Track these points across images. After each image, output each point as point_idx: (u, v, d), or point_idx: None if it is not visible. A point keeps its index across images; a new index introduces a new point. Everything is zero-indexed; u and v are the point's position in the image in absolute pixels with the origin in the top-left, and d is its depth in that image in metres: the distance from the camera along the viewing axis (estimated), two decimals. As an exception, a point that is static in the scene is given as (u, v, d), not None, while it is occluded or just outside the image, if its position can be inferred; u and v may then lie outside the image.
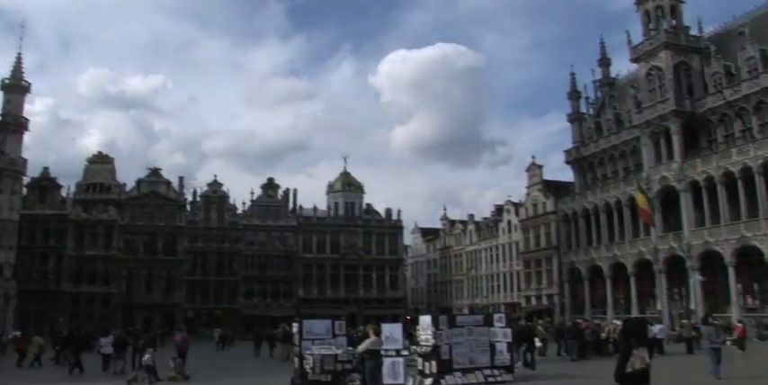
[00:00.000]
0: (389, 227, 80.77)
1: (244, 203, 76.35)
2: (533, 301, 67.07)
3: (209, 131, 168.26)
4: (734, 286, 45.10)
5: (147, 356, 20.89)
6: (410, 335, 20.98)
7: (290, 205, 78.46)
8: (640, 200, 48.29)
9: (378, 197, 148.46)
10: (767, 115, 46.65)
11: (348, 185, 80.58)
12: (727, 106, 48.64)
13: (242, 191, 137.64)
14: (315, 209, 79.08)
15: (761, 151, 43.53)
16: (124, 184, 73.15)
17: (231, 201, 76.40)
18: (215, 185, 76.26)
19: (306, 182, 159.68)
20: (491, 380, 18.52)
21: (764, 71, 46.68)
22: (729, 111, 48.83)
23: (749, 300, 45.39)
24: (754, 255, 43.95)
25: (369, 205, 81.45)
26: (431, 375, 18.12)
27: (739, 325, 33.53)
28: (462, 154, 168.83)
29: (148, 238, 71.14)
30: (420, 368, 18.59)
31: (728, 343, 25.63)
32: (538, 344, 27.64)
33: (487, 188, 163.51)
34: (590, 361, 26.17)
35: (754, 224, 43.71)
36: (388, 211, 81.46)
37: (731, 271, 45.21)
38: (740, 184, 44.81)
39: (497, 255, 75.86)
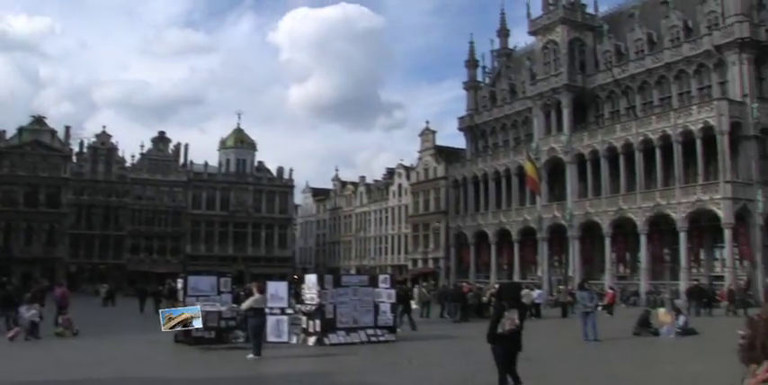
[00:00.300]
0: (280, 185, 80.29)
1: (133, 156, 74.11)
2: (420, 264, 68.17)
3: (100, 80, 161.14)
4: (608, 255, 47.50)
5: (32, 312, 20.05)
6: (296, 293, 21.11)
7: (181, 160, 76.59)
8: (529, 168, 49.76)
9: (270, 155, 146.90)
10: (650, 95, 48.98)
11: (241, 142, 79.40)
12: (615, 84, 50.51)
13: (132, 143, 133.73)
14: (206, 165, 77.61)
15: (642, 129, 45.60)
16: (4, 132, 69.30)
17: (120, 153, 73.92)
18: (103, 137, 73.53)
19: (198, 137, 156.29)
20: (374, 339, 18.79)
21: (650, 53, 48.77)
22: (617, 88, 50.78)
23: (621, 269, 48.02)
24: (628, 227, 46.32)
25: (261, 163, 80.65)
26: (315, 333, 18.35)
27: (610, 291, 35.65)
28: (358, 116, 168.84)
29: (29, 190, 67.91)
30: (304, 326, 18.77)
31: (599, 308, 27.09)
32: (414, 306, 28.28)
33: (381, 151, 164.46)
34: (471, 323, 26.84)
35: (631, 197, 45.95)
36: (280, 170, 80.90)
37: (607, 241, 47.52)
38: (621, 159, 46.91)
39: (387, 217, 76.69)
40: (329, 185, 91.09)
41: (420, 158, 70.83)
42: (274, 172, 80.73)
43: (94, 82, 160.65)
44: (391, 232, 75.65)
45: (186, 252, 72.92)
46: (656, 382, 12.02)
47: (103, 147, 72.94)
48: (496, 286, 32.92)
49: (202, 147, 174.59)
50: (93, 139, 73.29)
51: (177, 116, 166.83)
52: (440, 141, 70.43)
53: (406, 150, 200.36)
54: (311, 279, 19.55)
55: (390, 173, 79.77)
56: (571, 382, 12.42)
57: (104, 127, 74.89)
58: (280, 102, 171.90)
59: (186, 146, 77.45)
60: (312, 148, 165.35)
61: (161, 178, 73.95)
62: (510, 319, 9.13)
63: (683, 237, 42.48)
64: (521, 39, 70.17)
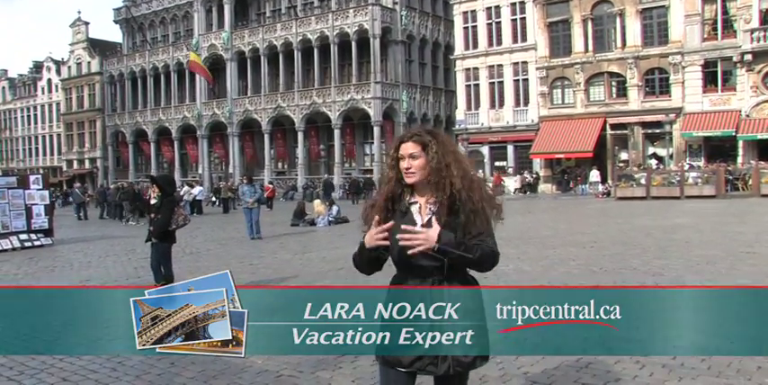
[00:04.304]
0: None
1: None
2: (76, 165, 62.78)
3: None
4: (268, 151, 47.28)
5: None
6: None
7: None
8: (198, 59, 47.21)
9: None
10: (310, -5, 48.31)
11: None
12: (278, -18, 49.08)
13: None
14: None
15: (302, 29, 45.01)
16: None
17: None
18: None
19: None
20: (28, 244, 17.28)
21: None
22: (279, -14, 49.36)
23: (280, 165, 48.33)
24: (287, 124, 46.27)
25: None
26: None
27: (270, 185, 35.48)
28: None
29: None
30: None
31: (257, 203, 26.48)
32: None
33: (25, 40, 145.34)
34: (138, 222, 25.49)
35: (290, 95, 45.64)
36: None
37: (267, 137, 47.07)
38: (281, 58, 46.12)
39: (36, 115, 68.68)
40: (-36, 79, 78.62)
41: (72, 52, 63.46)
42: None
43: None
44: (42, 132, 68.03)
45: None
46: (310, 264, 11.98)
47: None
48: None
49: None
50: None
51: None
52: (94, 34, 63.70)
53: (58, 42, 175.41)
54: (-54, 184, 17.25)
55: (38, 66, 70.73)
56: (237, 271, 11.29)
57: None
58: None
59: None
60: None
61: None
62: (183, 215, 9.13)
63: (337, 133, 43.35)
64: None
